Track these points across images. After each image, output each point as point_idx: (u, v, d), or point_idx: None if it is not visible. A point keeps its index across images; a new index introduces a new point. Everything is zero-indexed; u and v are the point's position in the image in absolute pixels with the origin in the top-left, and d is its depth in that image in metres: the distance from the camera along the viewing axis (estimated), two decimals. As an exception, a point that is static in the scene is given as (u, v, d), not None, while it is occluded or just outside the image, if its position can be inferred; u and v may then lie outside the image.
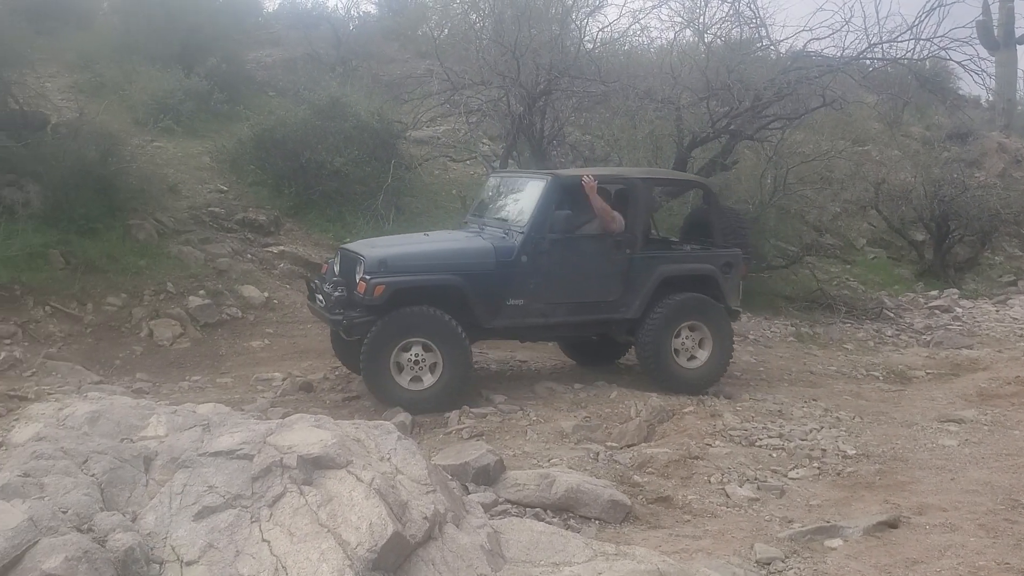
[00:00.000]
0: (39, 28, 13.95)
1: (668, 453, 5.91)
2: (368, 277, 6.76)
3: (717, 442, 6.25)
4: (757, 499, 5.29)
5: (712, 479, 5.59)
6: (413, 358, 6.79)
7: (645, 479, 5.54)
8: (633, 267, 7.53)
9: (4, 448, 3.97)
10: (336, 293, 6.94)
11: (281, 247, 10.90)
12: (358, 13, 21.30)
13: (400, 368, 6.81)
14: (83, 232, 9.23)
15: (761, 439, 6.36)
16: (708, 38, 11.00)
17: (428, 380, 6.84)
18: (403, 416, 6.49)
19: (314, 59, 17.15)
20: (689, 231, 8.66)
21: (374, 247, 7.31)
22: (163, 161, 11.55)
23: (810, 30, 10.34)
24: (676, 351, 7.57)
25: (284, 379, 7.82)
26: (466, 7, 13.98)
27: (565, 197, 7.41)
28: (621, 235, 7.50)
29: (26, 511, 3.17)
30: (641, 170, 8.94)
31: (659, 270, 7.56)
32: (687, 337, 7.62)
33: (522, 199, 7.60)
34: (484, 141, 14.26)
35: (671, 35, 16.46)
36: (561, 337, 8.25)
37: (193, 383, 7.74)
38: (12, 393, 4.90)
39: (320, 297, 7.29)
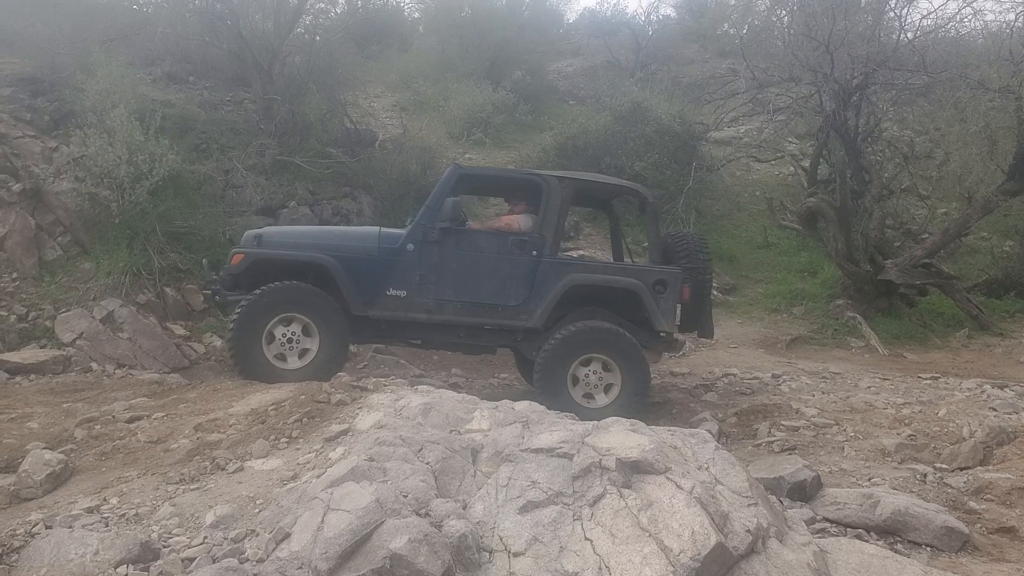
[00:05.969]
0: (366, 52, 15.47)
1: (1011, 479, 5.27)
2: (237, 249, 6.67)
3: (1071, 470, 5.49)
4: None
5: (1067, 512, 4.91)
6: (287, 336, 6.37)
7: (983, 506, 4.98)
8: (540, 271, 6.79)
9: (351, 434, 4.36)
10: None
11: (580, 251, 11.22)
12: (657, 17, 21.38)
13: (273, 345, 6.37)
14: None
15: None
16: (1059, 16, 9.78)
17: (306, 358, 6.38)
18: (710, 424, 6.37)
19: (613, 66, 17.48)
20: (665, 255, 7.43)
21: (271, 227, 7.14)
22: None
23: None
24: (590, 386, 6.66)
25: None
26: (771, 2, 13.50)
27: (469, 189, 7.24)
28: (527, 234, 6.85)
29: (373, 493, 3.44)
30: (560, 171, 8.03)
31: (568, 277, 6.76)
32: (592, 371, 6.69)
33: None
34: (790, 140, 13.68)
35: (1010, 16, 14.86)
36: (458, 343, 7.08)
37: (501, 380, 8.15)
38: (355, 384, 5.44)
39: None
